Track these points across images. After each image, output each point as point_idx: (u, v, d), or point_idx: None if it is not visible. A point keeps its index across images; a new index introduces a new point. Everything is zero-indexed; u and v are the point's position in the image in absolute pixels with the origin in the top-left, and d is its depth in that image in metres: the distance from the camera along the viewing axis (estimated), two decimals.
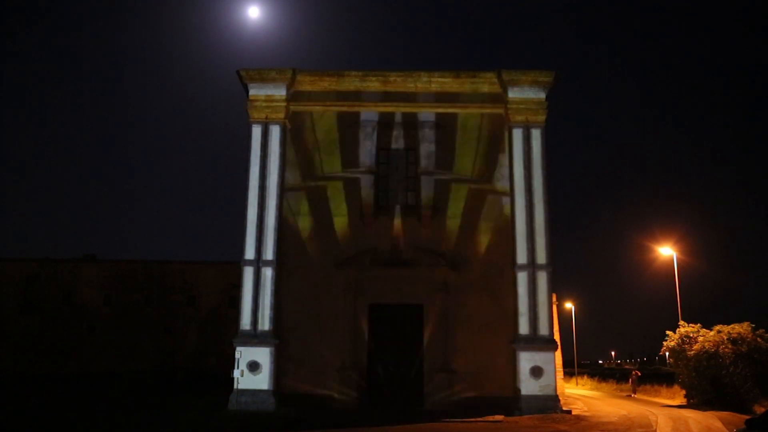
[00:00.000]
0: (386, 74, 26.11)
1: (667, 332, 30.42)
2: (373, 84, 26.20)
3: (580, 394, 40.33)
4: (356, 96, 26.26)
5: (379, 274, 24.85)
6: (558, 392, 24.11)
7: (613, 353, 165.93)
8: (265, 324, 24.20)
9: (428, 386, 23.99)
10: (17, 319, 52.46)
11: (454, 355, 24.18)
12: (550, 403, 23.03)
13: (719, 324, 28.76)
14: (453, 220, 25.33)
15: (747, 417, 17.89)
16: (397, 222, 25.33)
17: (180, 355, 51.53)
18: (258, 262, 24.65)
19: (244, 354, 23.75)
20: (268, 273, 24.59)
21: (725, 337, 27.65)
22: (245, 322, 24.27)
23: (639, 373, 43.69)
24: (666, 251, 36.10)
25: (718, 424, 20.52)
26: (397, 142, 26.10)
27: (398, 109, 26.19)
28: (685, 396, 29.90)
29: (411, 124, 26.11)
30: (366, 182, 25.68)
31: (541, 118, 25.68)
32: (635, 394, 38.42)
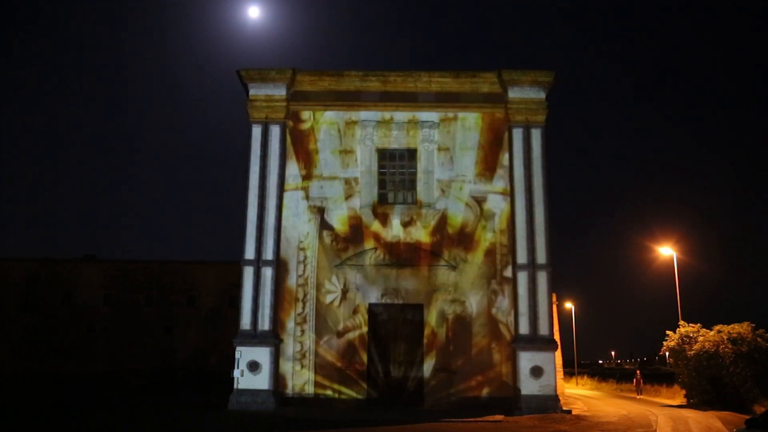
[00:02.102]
0: (386, 74, 26.12)
1: (667, 332, 30.42)
2: (373, 84, 26.21)
3: (580, 394, 40.32)
4: (356, 96, 26.26)
5: (379, 274, 24.87)
6: (558, 392, 24.12)
7: (613, 353, 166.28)
8: (265, 324, 24.21)
9: (428, 386, 24.00)
10: (17, 318, 52.46)
11: (454, 355, 24.20)
12: (550, 403, 23.04)
13: (719, 324, 28.77)
14: (453, 220, 25.33)
15: (747, 417, 17.89)
16: (397, 222, 25.34)
17: (180, 355, 51.55)
18: (258, 262, 24.65)
19: (244, 354, 23.75)
20: (268, 273, 24.59)
21: (725, 337, 27.65)
22: (245, 322, 24.28)
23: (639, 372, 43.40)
24: (666, 251, 36.09)
25: (718, 424, 20.52)
26: (397, 142, 26.10)
27: (398, 109, 26.19)
28: (685, 396, 29.90)
29: (411, 124, 26.11)
30: (366, 182, 25.69)
31: (541, 118, 25.70)
32: (641, 394, 37.80)
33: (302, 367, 24.28)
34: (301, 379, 24.22)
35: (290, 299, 24.80)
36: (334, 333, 24.48)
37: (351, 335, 24.52)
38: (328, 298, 24.80)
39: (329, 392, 24.01)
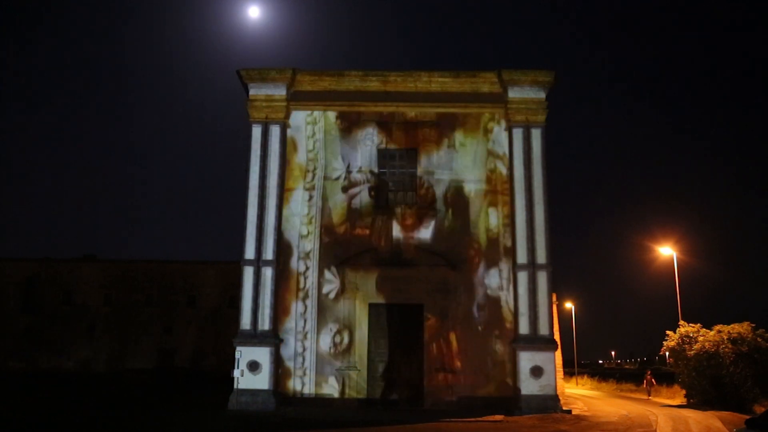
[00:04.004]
0: (386, 74, 26.10)
1: (667, 332, 30.43)
2: (373, 84, 26.20)
3: (580, 394, 40.30)
4: (356, 96, 26.25)
5: (379, 274, 24.87)
6: (558, 392, 24.10)
7: (613, 353, 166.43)
8: (265, 324, 24.20)
9: (428, 386, 24.00)
10: (17, 318, 52.51)
11: (454, 355, 24.20)
12: (550, 403, 23.04)
13: (719, 324, 28.77)
14: (453, 220, 25.32)
15: (747, 417, 17.90)
16: (397, 222, 25.33)
17: (180, 355, 51.56)
18: (258, 262, 24.64)
19: (244, 354, 23.74)
20: (268, 273, 24.58)
21: (725, 337, 27.64)
22: (245, 322, 24.27)
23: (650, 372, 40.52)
24: (666, 251, 36.09)
25: (718, 424, 20.52)
26: (397, 142, 26.10)
27: (398, 109, 26.19)
28: (685, 396, 29.90)
29: (411, 124, 26.11)
30: (366, 182, 25.69)
31: (541, 118, 25.68)
32: (650, 396, 36.48)
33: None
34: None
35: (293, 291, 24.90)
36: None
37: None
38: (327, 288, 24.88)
39: (329, 392, 23.97)
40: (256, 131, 25.81)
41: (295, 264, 25.10)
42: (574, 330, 65.44)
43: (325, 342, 24.53)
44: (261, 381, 23.52)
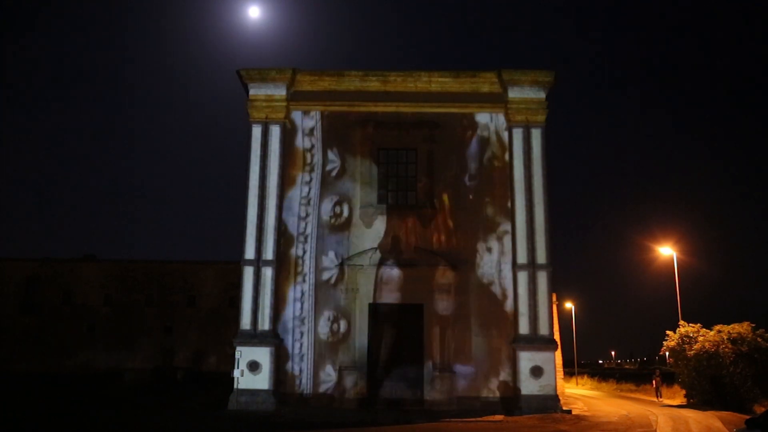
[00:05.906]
0: (386, 74, 26.11)
1: (667, 332, 30.42)
2: (373, 84, 26.21)
3: (580, 394, 40.29)
4: (356, 96, 26.26)
5: (380, 274, 24.85)
6: (558, 392, 24.11)
7: (613, 353, 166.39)
8: (265, 324, 24.21)
9: (428, 386, 23.98)
10: (17, 318, 52.49)
11: (454, 355, 24.18)
12: (550, 403, 23.04)
13: (719, 324, 28.76)
14: (453, 220, 25.32)
15: (747, 417, 17.89)
16: (397, 222, 25.31)
17: (180, 355, 51.54)
18: (258, 262, 24.64)
19: (244, 354, 23.75)
20: (268, 273, 24.59)
21: (725, 337, 27.64)
22: (245, 322, 24.28)
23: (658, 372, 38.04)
24: (666, 251, 36.08)
25: (718, 424, 20.52)
26: (397, 142, 26.09)
27: (398, 109, 26.19)
28: (685, 396, 29.90)
29: (411, 124, 26.10)
30: (366, 182, 25.67)
31: (541, 118, 25.69)
32: (660, 397, 34.84)
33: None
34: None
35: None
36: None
37: None
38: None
39: (329, 392, 23.97)
40: (256, 131, 25.82)
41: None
42: (574, 330, 65.52)
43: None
44: (261, 381, 23.53)
